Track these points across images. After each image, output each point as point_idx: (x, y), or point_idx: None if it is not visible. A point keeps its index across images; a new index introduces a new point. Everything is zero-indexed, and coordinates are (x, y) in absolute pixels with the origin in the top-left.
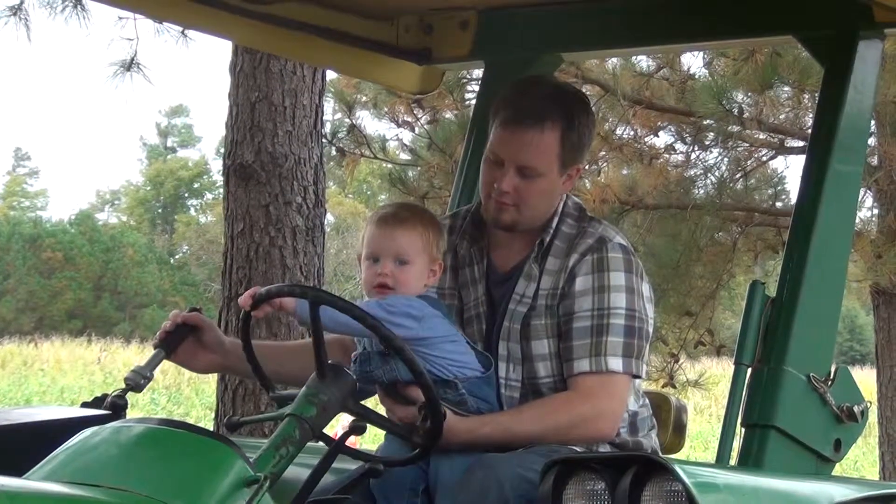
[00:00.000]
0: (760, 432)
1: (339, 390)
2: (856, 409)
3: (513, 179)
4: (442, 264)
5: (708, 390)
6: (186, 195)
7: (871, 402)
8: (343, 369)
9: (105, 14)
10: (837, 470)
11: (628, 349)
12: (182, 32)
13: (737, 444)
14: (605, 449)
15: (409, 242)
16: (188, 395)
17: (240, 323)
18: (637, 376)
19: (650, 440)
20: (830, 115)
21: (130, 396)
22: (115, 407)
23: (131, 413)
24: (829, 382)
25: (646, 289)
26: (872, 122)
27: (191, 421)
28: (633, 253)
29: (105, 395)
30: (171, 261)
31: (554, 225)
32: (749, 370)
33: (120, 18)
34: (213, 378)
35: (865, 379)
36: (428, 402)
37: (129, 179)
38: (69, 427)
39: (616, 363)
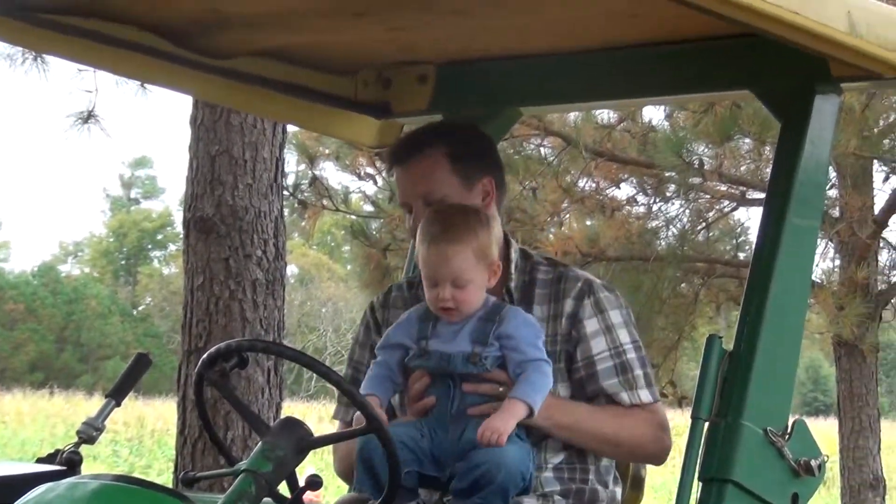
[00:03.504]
0: (718, 487)
1: (294, 444)
2: (813, 463)
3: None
4: (500, 264)
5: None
6: (150, 246)
7: (828, 456)
8: (299, 423)
9: (65, 65)
10: None
11: (647, 379)
12: (141, 85)
13: (694, 497)
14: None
15: (463, 263)
16: (150, 448)
17: (194, 380)
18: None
19: (610, 492)
20: (787, 170)
21: (94, 448)
22: (71, 462)
23: (93, 465)
24: (787, 436)
25: (632, 317)
26: (834, 175)
27: (153, 474)
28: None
29: (59, 451)
30: (135, 312)
31: (513, 270)
32: (706, 424)
33: (80, 70)
34: (174, 430)
35: (829, 429)
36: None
37: (92, 231)
38: (24, 483)
39: (645, 394)
